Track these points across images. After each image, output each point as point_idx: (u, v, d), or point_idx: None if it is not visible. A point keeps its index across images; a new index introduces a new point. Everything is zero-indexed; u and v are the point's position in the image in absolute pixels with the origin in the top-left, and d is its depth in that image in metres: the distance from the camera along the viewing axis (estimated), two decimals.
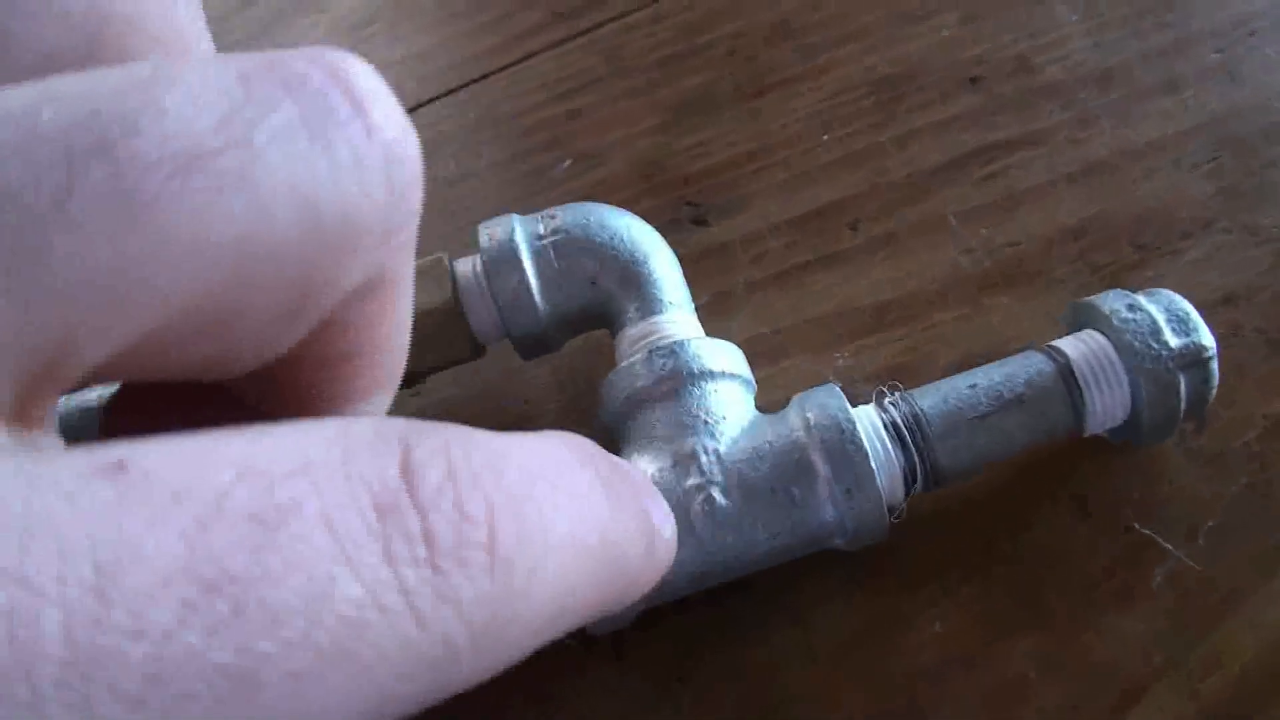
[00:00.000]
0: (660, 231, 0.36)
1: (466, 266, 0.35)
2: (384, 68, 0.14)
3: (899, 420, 0.31)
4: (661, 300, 0.34)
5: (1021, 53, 0.42)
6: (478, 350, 0.36)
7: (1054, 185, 0.39)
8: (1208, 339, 0.31)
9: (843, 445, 0.30)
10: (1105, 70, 0.42)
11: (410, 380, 0.36)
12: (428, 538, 0.12)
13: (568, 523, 0.14)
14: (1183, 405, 0.31)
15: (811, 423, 0.30)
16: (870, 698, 0.31)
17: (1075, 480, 0.34)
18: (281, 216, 0.12)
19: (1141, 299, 0.32)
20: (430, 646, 0.12)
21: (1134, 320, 0.31)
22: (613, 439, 0.33)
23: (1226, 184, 0.39)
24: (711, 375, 0.32)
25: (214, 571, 0.10)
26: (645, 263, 0.34)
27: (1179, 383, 0.30)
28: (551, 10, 0.49)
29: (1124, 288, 0.34)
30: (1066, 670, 0.31)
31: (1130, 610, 0.32)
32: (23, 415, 0.12)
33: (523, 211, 0.35)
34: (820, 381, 0.35)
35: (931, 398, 0.31)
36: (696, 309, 0.36)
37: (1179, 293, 0.36)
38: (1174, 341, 0.30)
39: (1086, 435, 0.32)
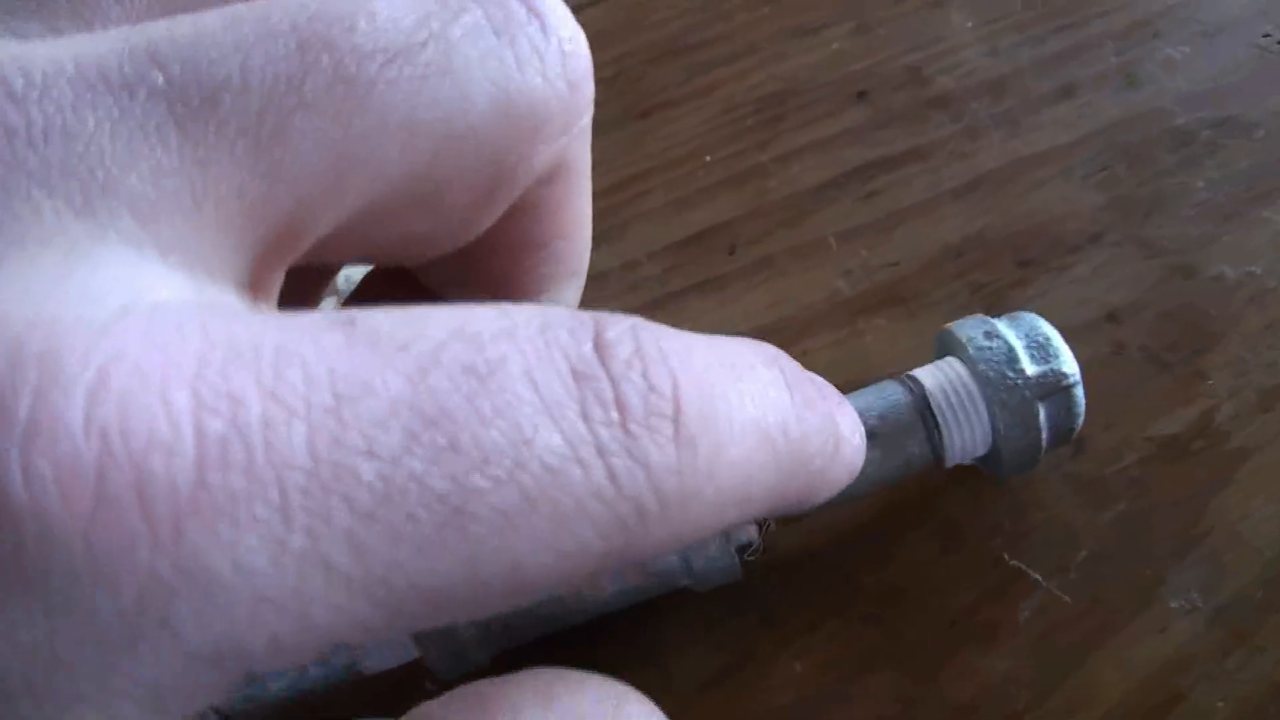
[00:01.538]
0: None
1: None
2: None
3: None
4: None
5: (912, 64, 0.41)
6: None
7: (938, 201, 0.38)
8: (1069, 366, 0.29)
9: None
10: (998, 79, 0.40)
11: None
12: (620, 404, 0.13)
13: (751, 410, 0.15)
14: (1045, 435, 0.30)
15: None
16: None
17: (944, 509, 0.32)
18: (478, 101, 0.14)
19: (1000, 324, 0.30)
20: (622, 505, 0.13)
21: (990, 348, 0.30)
22: None
23: (1118, 194, 0.37)
24: None
25: (433, 408, 0.11)
26: None
27: (1038, 413, 0.29)
28: None
29: (1005, 307, 0.32)
30: (926, 710, 0.30)
31: (994, 647, 0.30)
32: (257, 284, 0.14)
33: None
34: None
35: None
36: None
37: (1061, 311, 0.35)
38: (1031, 370, 0.29)
39: (949, 467, 0.31)
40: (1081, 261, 0.36)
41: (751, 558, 0.30)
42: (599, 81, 0.41)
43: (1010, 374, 0.29)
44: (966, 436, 0.30)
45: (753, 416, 0.15)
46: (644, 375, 0.14)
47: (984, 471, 0.32)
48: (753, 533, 0.30)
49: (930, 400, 0.30)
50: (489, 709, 0.15)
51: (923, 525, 0.32)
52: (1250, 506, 0.32)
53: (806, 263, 0.37)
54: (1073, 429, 0.30)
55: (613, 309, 0.36)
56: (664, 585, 0.30)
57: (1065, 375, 0.29)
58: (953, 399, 0.30)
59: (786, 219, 0.38)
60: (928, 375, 0.30)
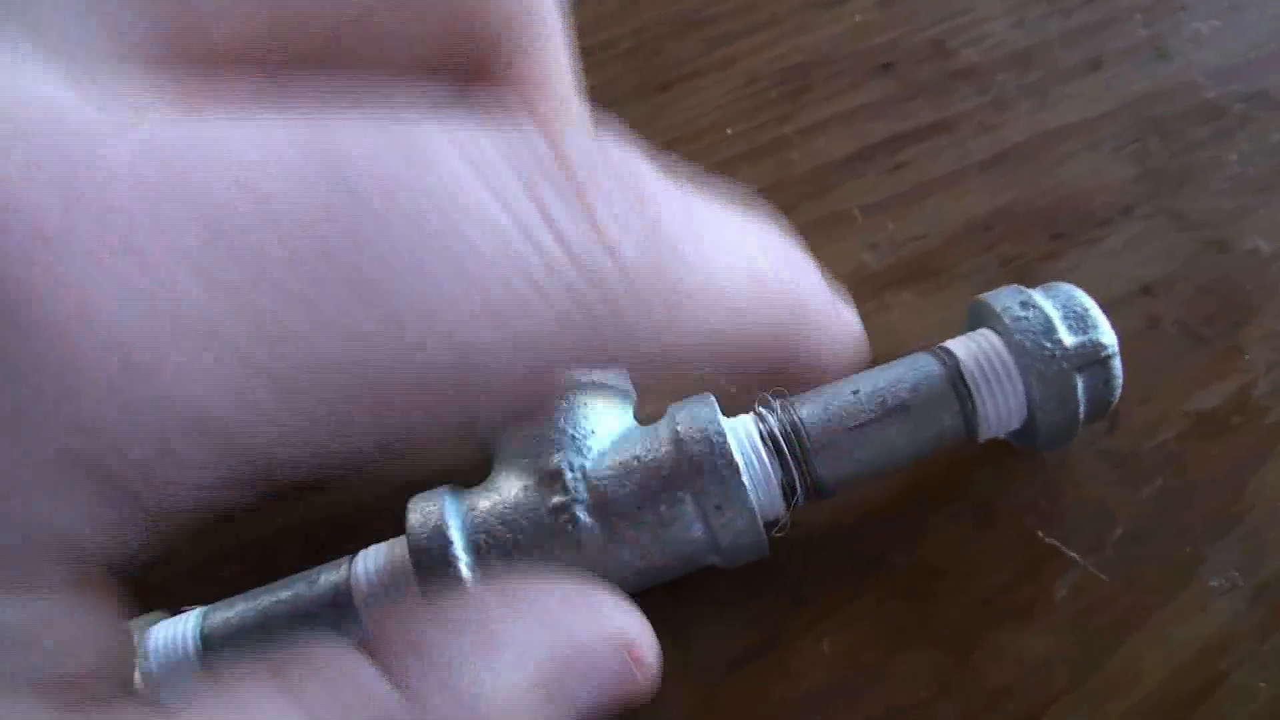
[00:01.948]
0: None
1: None
2: None
3: (776, 430, 0.29)
4: None
5: (937, 36, 0.40)
6: None
7: (965, 174, 0.37)
8: (1108, 336, 0.28)
9: (712, 459, 0.28)
10: (1024, 51, 0.39)
11: None
12: (577, 189, 0.13)
13: (715, 242, 0.15)
14: (1082, 407, 0.29)
15: (680, 435, 0.28)
16: None
17: (977, 487, 0.31)
18: None
19: (1037, 295, 0.29)
20: (582, 282, 0.12)
21: (1026, 318, 0.29)
22: (488, 456, 0.31)
23: (1149, 168, 0.37)
24: (581, 386, 0.30)
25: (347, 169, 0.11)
26: None
27: (1075, 384, 0.28)
28: None
29: (1035, 280, 0.31)
30: (961, 693, 0.29)
31: (1030, 626, 0.29)
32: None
33: None
34: (716, 388, 0.33)
35: (811, 406, 0.29)
36: None
37: (1094, 284, 0.34)
38: (1069, 340, 0.28)
39: (982, 441, 0.30)
40: (1113, 234, 0.35)
41: (779, 534, 0.29)
42: (618, 55, 0.40)
43: (1048, 344, 0.28)
44: (1001, 408, 0.29)
45: (718, 247, 0.15)
46: (605, 165, 0.13)
47: (1018, 446, 0.31)
48: (780, 508, 0.29)
49: (964, 371, 0.29)
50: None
51: (954, 502, 0.31)
52: None
53: (831, 236, 0.36)
54: (1110, 402, 0.29)
55: None
56: (689, 563, 0.29)
57: (1104, 346, 0.28)
58: (987, 370, 0.29)
59: (810, 192, 0.37)
60: (961, 346, 0.30)
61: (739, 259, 0.16)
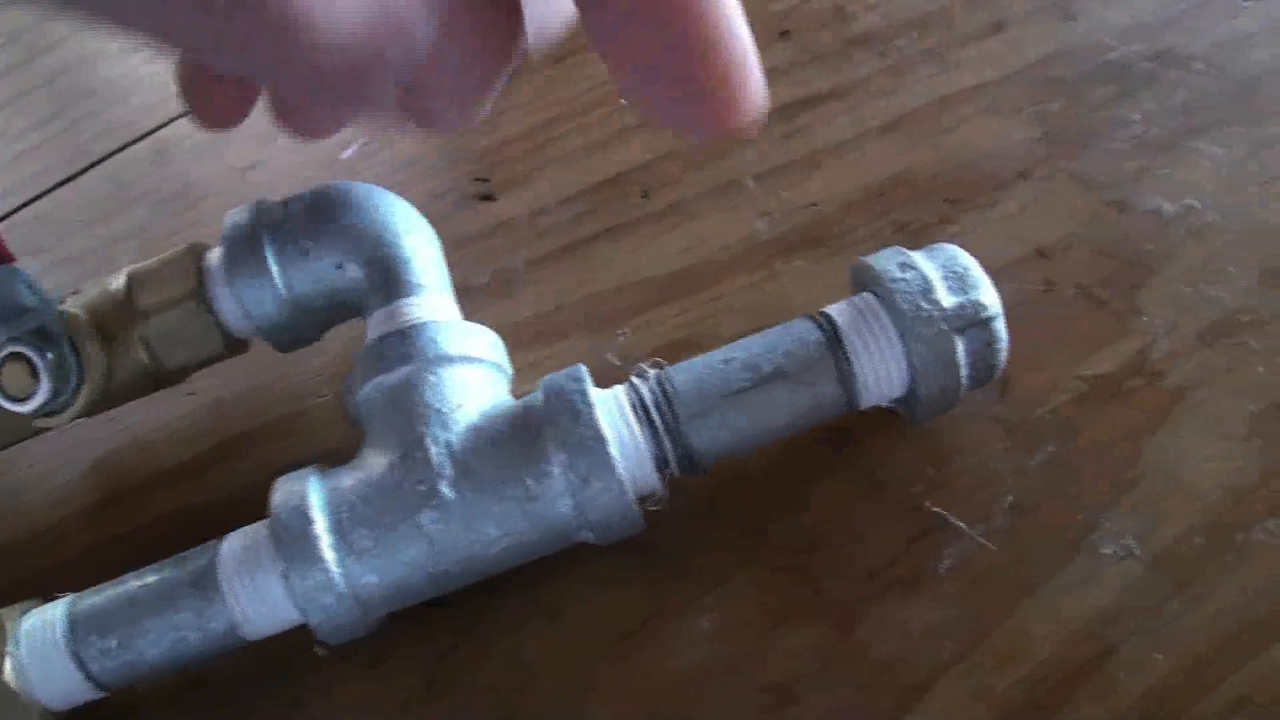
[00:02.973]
0: (446, 210, 0.33)
1: (213, 256, 0.33)
2: None
3: (648, 400, 0.28)
4: (410, 283, 0.31)
5: (838, 2, 0.39)
6: (235, 345, 0.33)
7: (860, 141, 0.36)
8: (989, 296, 0.27)
9: (578, 429, 0.27)
10: (926, 15, 0.38)
11: (166, 380, 0.33)
12: None
13: None
14: (964, 370, 0.27)
15: (547, 407, 0.27)
16: (633, 702, 0.27)
17: (863, 456, 0.30)
18: None
19: (917, 256, 0.28)
20: None
21: (905, 280, 0.27)
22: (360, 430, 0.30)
23: (1050, 130, 0.35)
24: (449, 360, 0.29)
25: None
26: (394, 244, 0.31)
27: (956, 346, 0.27)
28: None
29: (930, 245, 0.30)
30: (845, 666, 0.28)
31: (916, 598, 0.28)
32: None
33: None
34: (600, 360, 0.32)
35: (686, 374, 0.28)
36: (479, 289, 0.33)
37: (989, 249, 0.32)
38: (948, 301, 0.27)
39: (865, 408, 0.29)
40: (1011, 198, 0.34)
41: (655, 507, 0.28)
42: None
43: (925, 305, 0.27)
44: (881, 373, 0.28)
45: None
46: None
47: (904, 415, 0.30)
48: (654, 480, 0.28)
49: (841, 336, 0.28)
50: None
51: (840, 472, 0.30)
52: (1188, 447, 0.30)
53: (723, 205, 0.35)
54: (995, 365, 0.28)
55: (520, 259, 0.34)
56: (560, 538, 0.28)
57: (984, 307, 0.27)
58: (865, 333, 0.28)
59: (701, 161, 0.36)
60: (839, 310, 0.28)
61: None
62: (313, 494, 0.27)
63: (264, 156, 0.41)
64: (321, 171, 0.39)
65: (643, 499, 0.28)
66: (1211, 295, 0.32)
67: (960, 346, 0.27)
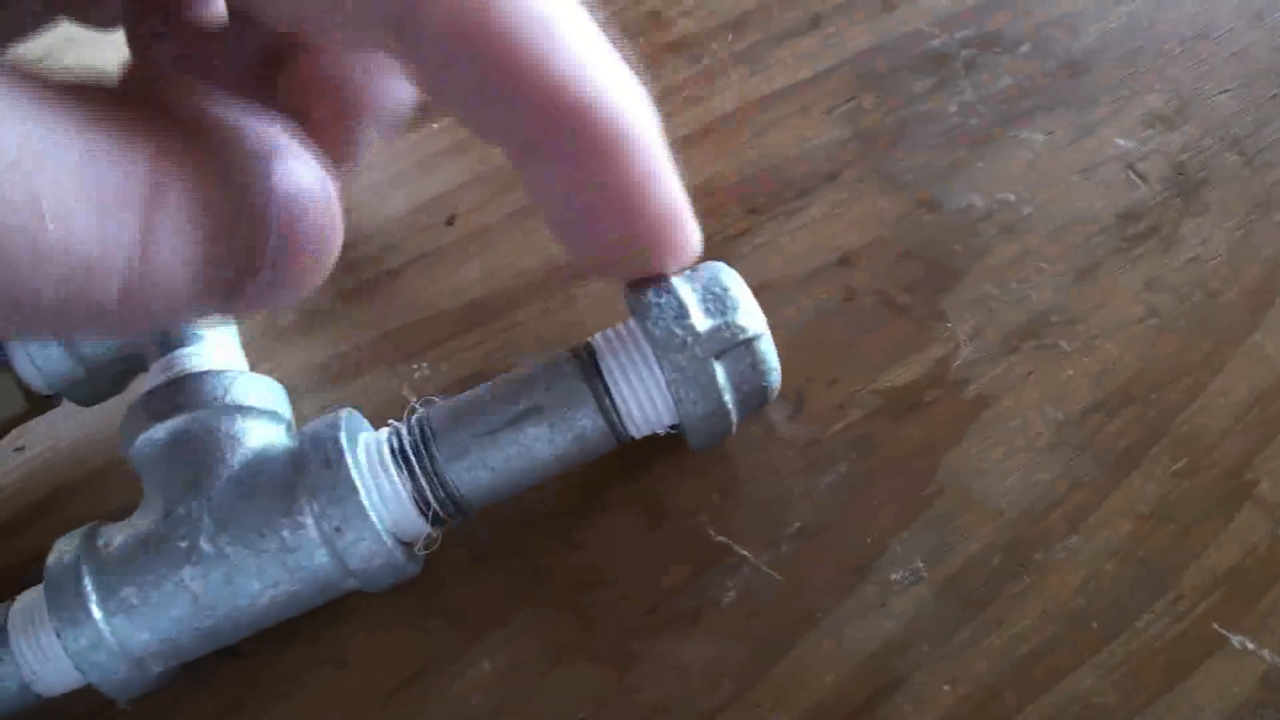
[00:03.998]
0: None
1: None
2: None
3: (406, 444, 0.27)
4: (188, 333, 0.30)
5: (655, 8, 0.38)
6: (40, 402, 0.33)
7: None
8: (749, 317, 0.26)
9: (329, 477, 0.26)
10: (742, 16, 0.37)
11: None
12: None
13: None
14: (729, 397, 0.26)
15: (302, 455, 0.26)
16: None
17: (646, 483, 0.29)
18: None
19: (677, 279, 0.27)
20: None
21: (660, 305, 0.26)
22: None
23: (861, 128, 0.34)
24: (218, 411, 0.28)
25: None
26: None
27: (714, 372, 0.25)
28: None
29: (727, 259, 0.29)
30: (617, 709, 0.26)
31: (696, 633, 0.27)
32: None
33: None
34: (394, 397, 0.31)
35: (446, 414, 0.27)
36: (285, 329, 0.32)
37: (789, 258, 0.31)
38: (703, 325, 0.25)
39: (639, 439, 0.27)
40: (815, 203, 0.32)
41: (426, 551, 0.27)
42: None
43: (679, 330, 0.25)
44: (645, 403, 0.26)
45: None
46: None
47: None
48: (419, 525, 0.26)
49: (601, 366, 0.26)
50: None
51: (622, 503, 0.29)
52: (988, 461, 0.28)
53: (525, 229, 0.34)
54: (765, 388, 0.26)
55: (330, 292, 0.33)
56: (326, 587, 0.27)
57: (743, 329, 0.26)
58: (625, 363, 0.26)
59: (507, 184, 0.35)
60: (600, 340, 0.27)
61: None
62: (83, 552, 0.27)
63: None
64: None
65: (410, 543, 0.27)
66: (1021, 295, 0.30)
67: (720, 371, 0.25)
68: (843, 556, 0.27)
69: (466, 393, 0.27)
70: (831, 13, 0.36)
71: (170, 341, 0.30)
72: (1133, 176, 0.32)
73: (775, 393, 0.27)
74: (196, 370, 0.29)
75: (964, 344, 0.30)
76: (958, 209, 0.32)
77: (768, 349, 0.26)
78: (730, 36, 0.36)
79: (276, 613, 0.27)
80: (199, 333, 0.30)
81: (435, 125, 0.37)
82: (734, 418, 0.26)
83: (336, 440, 0.26)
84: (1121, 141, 0.33)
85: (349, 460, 0.26)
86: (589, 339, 0.27)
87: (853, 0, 0.36)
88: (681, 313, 0.26)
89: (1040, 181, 0.32)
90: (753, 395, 0.26)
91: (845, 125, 0.34)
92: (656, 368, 0.26)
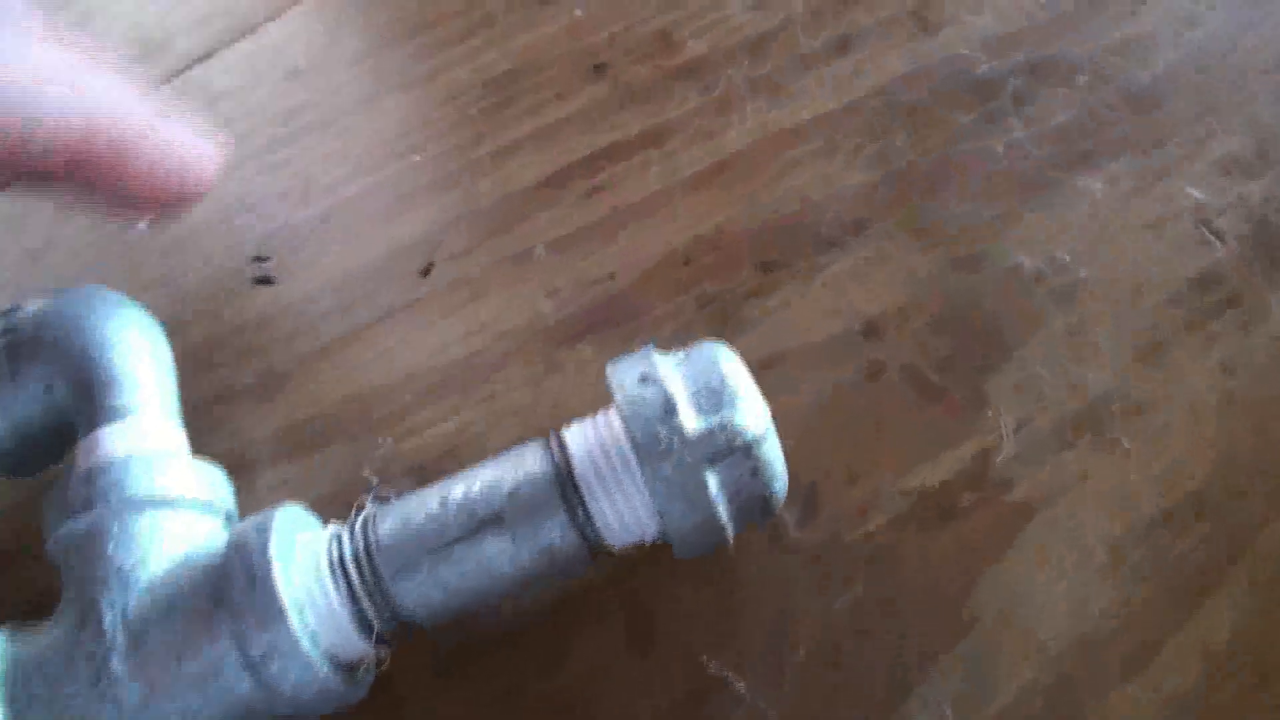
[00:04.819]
0: (222, 295, 0.29)
1: None
2: None
3: (347, 554, 0.23)
4: (112, 407, 0.26)
5: (663, 27, 0.33)
6: None
7: (670, 195, 0.30)
8: (748, 415, 0.22)
9: (254, 598, 0.22)
10: (761, 37, 0.32)
11: None
12: None
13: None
14: (722, 509, 0.22)
15: (226, 566, 0.23)
16: None
17: (635, 596, 0.25)
18: None
19: (664, 362, 0.23)
20: None
21: (643, 399, 0.22)
22: None
23: (894, 169, 0.29)
24: (140, 505, 0.24)
25: None
26: (99, 361, 0.27)
27: (704, 481, 0.21)
28: None
29: (736, 323, 0.25)
30: None
31: None
32: None
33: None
34: (353, 477, 0.28)
35: (394, 519, 0.23)
36: (242, 391, 0.28)
37: (807, 324, 0.27)
38: (692, 426, 0.21)
39: (617, 553, 0.23)
40: (839, 258, 0.28)
41: (369, 674, 0.23)
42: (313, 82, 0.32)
43: (664, 432, 0.22)
44: (626, 514, 0.22)
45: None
46: None
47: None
48: (360, 646, 0.23)
49: (575, 470, 0.22)
50: None
51: (607, 618, 0.25)
52: (1033, 583, 0.24)
53: (510, 279, 0.30)
54: (768, 497, 0.22)
55: (294, 350, 0.29)
56: (249, 717, 0.23)
57: (740, 430, 0.22)
58: (603, 468, 0.22)
59: (495, 227, 0.31)
60: (577, 435, 0.23)
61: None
62: None
63: (55, 237, 0.37)
64: (117, 251, 0.35)
65: (352, 665, 0.23)
66: (1075, 377, 0.26)
67: (712, 480, 0.21)
68: (855, 695, 0.23)
69: (421, 491, 0.24)
70: (863, 34, 0.32)
71: (96, 416, 0.26)
72: (1207, 234, 0.28)
73: (780, 502, 0.23)
74: (115, 457, 0.25)
75: (1008, 436, 0.25)
76: (1003, 270, 0.28)
77: (771, 453, 0.22)
78: (747, 61, 0.32)
79: None
80: (123, 407, 0.26)
81: (417, 158, 0.33)
82: (729, 531, 0.22)
83: (264, 551, 0.22)
84: (1194, 191, 0.28)
85: (277, 577, 0.22)
86: (564, 430, 0.23)
87: (887, 20, 0.32)
88: (669, 409, 0.22)
89: (1100, 238, 0.28)
90: (751, 505, 0.22)
91: (875, 167, 0.29)
92: (639, 475, 0.22)
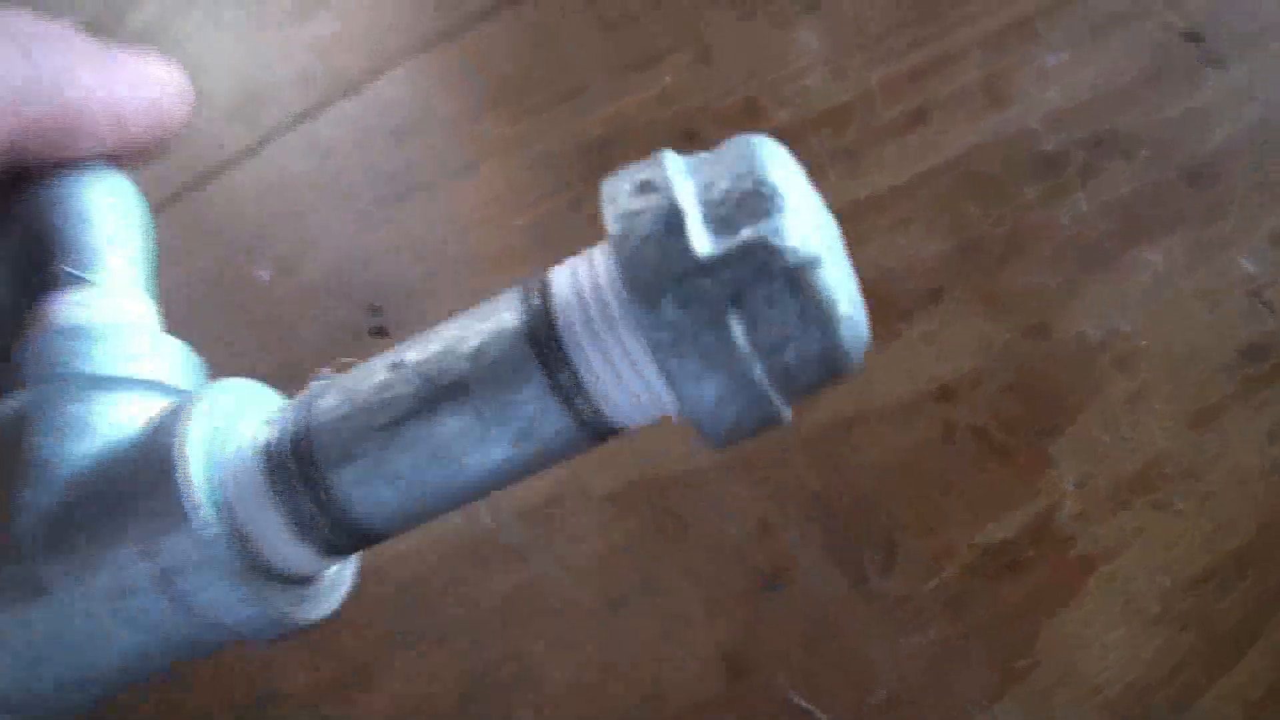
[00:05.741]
0: (339, 346, 0.32)
1: None
2: None
3: (287, 439, 0.18)
4: (70, 275, 0.21)
5: (751, 95, 0.36)
6: None
7: None
8: (790, 231, 0.15)
9: (158, 498, 0.17)
10: (841, 107, 0.35)
11: None
12: None
13: None
14: (758, 368, 0.15)
15: (137, 458, 0.18)
16: None
17: (728, 630, 0.28)
18: None
19: (679, 165, 0.16)
20: None
21: (639, 211, 0.16)
22: None
23: (967, 239, 0.32)
24: (82, 385, 0.20)
25: None
26: (59, 224, 0.22)
27: (728, 325, 0.15)
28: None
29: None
30: None
31: None
32: None
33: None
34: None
35: (335, 393, 0.18)
36: None
37: (881, 391, 0.30)
38: (702, 246, 0.15)
39: (626, 432, 0.17)
40: (913, 325, 0.31)
41: (330, 594, 0.19)
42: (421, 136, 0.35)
43: (664, 257, 0.15)
44: (631, 381, 0.16)
45: None
46: None
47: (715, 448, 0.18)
48: (305, 557, 0.19)
49: (557, 322, 0.16)
50: None
51: (698, 649, 0.28)
52: (1091, 632, 0.27)
53: None
54: (836, 348, 0.16)
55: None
56: (179, 645, 0.19)
57: (776, 251, 0.15)
58: (594, 316, 0.16)
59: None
60: (564, 276, 0.17)
61: None
62: None
63: (172, 283, 0.40)
64: (238, 299, 0.38)
65: (293, 580, 0.19)
66: (1134, 442, 0.28)
67: (736, 325, 0.15)
68: None
69: (372, 359, 0.18)
70: (938, 106, 0.34)
71: (46, 284, 0.21)
72: (1259, 305, 0.30)
73: (849, 357, 0.16)
74: (64, 327, 0.20)
75: (1070, 495, 0.28)
76: (1068, 338, 0.30)
77: (828, 283, 0.15)
78: (829, 130, 0.34)
79: (139, 671, 0.19)
80: (87, 274, 0.21)
81: (518, 222, 0.36)
82: (775, 401, 0.16)
83: (175, 435, 0.18)
84: (1247, 264, 0.31)
85: (184, 470, 0.17)
86: (551, 269, 0.17)
87: (963, 91, 0.34)
88: (672, 225, 0.15)
89: (1157, 308, 0.30)
90: (807, 361, 0.16)
91: (949, 236, 0.32)
92: (636, 322, 0.15)
